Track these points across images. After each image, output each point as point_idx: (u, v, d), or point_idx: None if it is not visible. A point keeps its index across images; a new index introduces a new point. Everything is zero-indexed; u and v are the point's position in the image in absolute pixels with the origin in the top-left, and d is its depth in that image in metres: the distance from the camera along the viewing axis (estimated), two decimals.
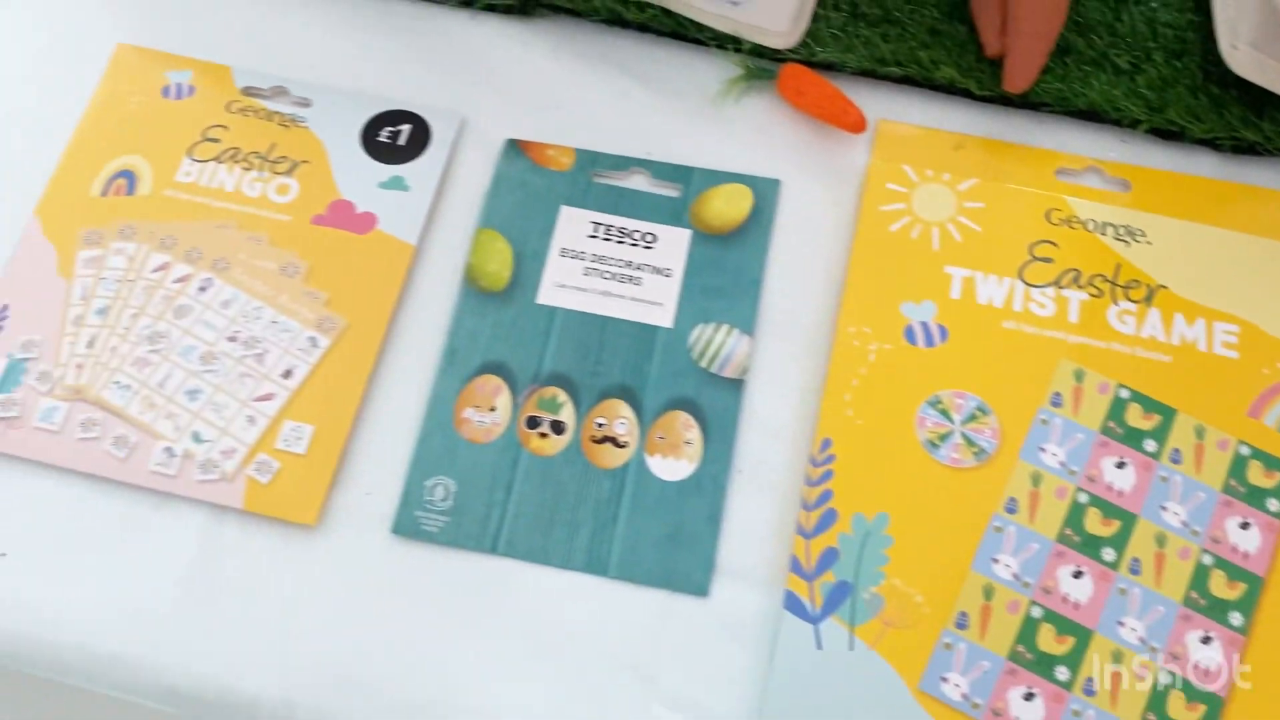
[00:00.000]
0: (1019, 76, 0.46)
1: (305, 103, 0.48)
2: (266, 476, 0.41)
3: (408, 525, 0.41)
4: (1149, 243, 0.44)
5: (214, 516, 0.41)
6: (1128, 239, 0.44)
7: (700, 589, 0.40)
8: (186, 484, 0.41)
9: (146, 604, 0.40)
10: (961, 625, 0.38)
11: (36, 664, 0.41)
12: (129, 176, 0.47)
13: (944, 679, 0.38)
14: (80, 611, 0.40)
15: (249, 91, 0.48)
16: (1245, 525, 0.40)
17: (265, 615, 0.40)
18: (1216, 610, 0.38)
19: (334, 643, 0.40)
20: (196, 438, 0.42)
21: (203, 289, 0.44)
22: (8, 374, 0.43)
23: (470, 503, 0.41)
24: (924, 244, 0.44)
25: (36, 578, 0.41)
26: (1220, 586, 0.39)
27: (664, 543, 0.41)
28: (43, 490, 0.42)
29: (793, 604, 0.39)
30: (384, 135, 0.48)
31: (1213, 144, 0.47)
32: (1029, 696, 0.37)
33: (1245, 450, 0.41)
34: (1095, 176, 0.47)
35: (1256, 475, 0.40)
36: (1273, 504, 0.40)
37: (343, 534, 0.41)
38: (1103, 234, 0.45)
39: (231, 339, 0.43)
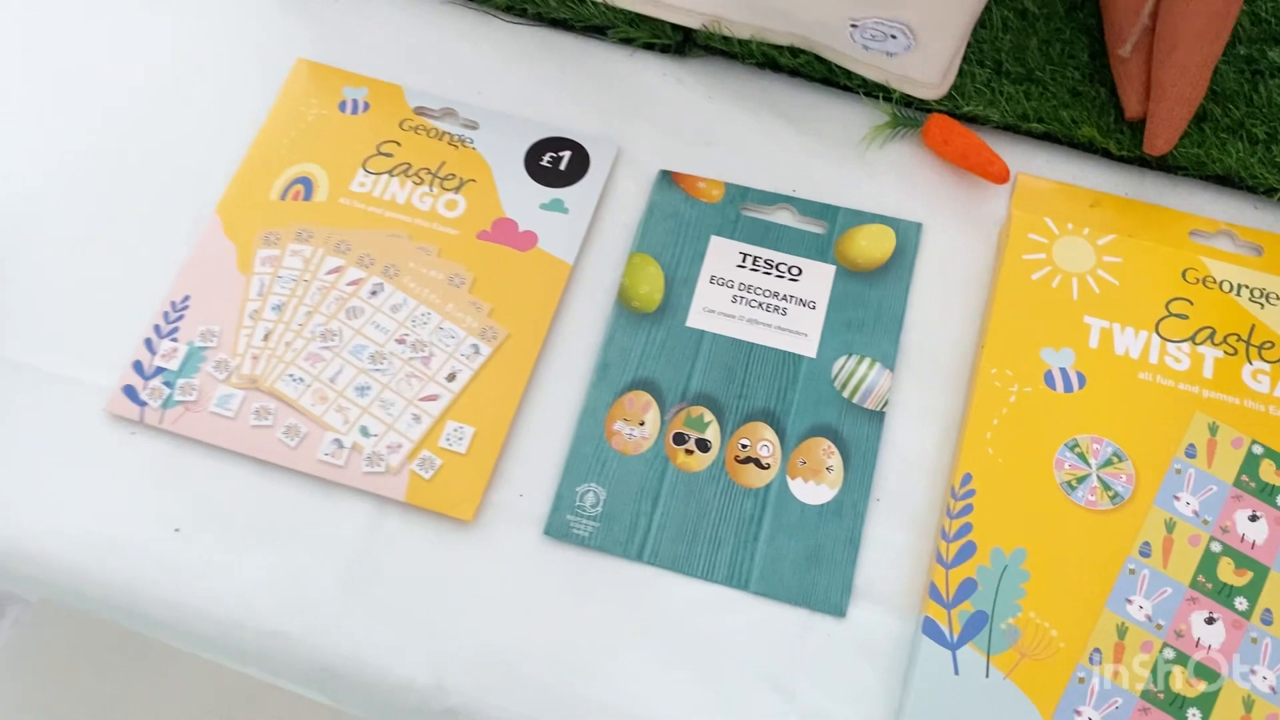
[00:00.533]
0: (1161, 139, 0.48)
1: (473, 125, 0.51)
2: (429, 472, 0.44)
3: (559, 528, 0.43)
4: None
5: (377, 507, 0.44)
6: (1262, 301, 0.46)
7: (838, 610, 0.42)
8: (353, 475, 0.44)
9: (309, 587, 0.42)
10: (1095, 661, 0.40)
11: (200, 637, 0.43)
12: (306, 183, 0.49)
13: (1077, 712, 0.39)
14: (246, 589, 0.42)
15: (420, 111, 0.51)
16: None
17: (421, 604, 0.42)
18: None
19: (485, 633, 0.42)
20: (364, 431, 0.44)
21: (374, 293, 0.47)
22: (188, 360, 0.46)
23: (619, 511, 0.43)
24: (1064, 293, 0.46)
25: (207, 554, 0.43)
26: None
27: (803, 562, 0.42)
28: (216, 472, 0.44)
29: (931, 630, 0.40)
30: (546, 160, 0.50)
31: None
32: None
33: None
34: (1228, 240, 0.48)
35: None
36: None
37: (497, 532, 0.43)
38: (1238, 295, 0.46)
39: (400, 341, 0.46)
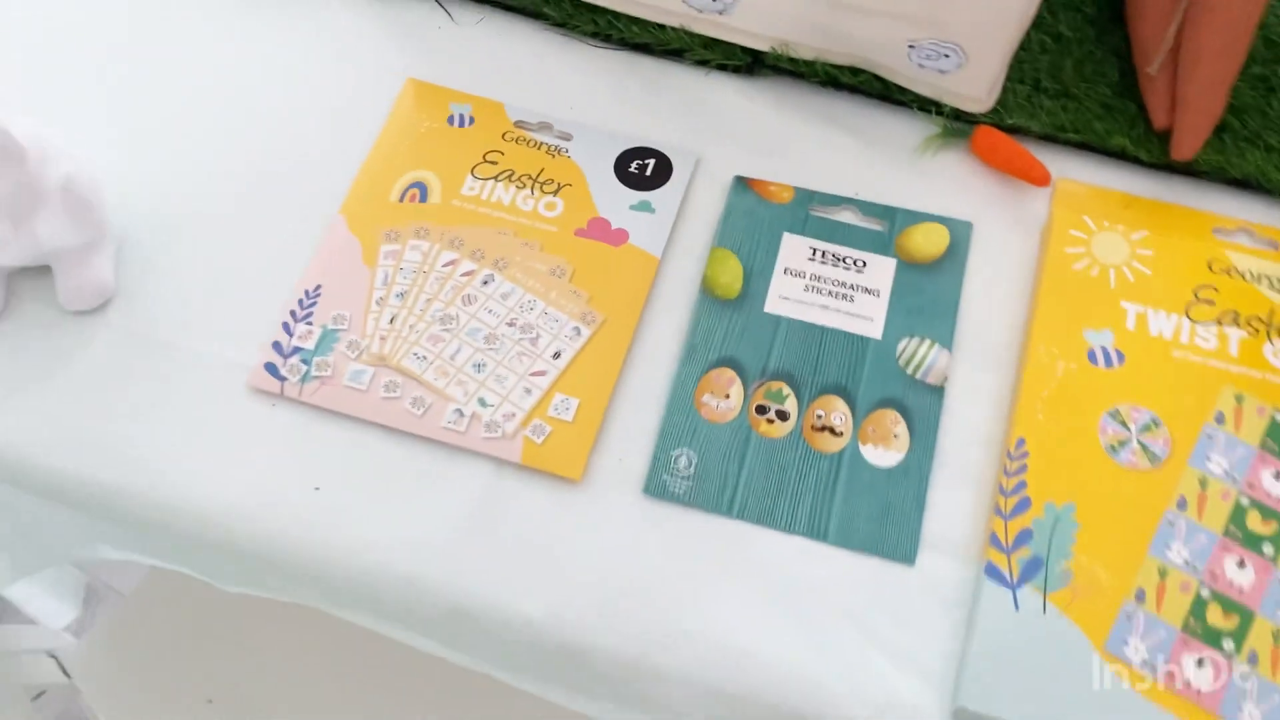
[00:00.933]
0: (1186, 147, 0.54)
1: (567, 136, 0.57)
2: (540, 438, 0.49)
3: (657, 486, 0.49)
4: None
5: (495, 469, 0.49)
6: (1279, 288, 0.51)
7: (908, 558, 0.47)
8: (473, 440, 0.49)
9: (437, 538, 0.48)
10: (1140, 599, 0.45)
11: (340, 588, 0.48)
12: (421, 187, 0.55)
13: (1126, 642, 0.44)
14: (381, 540, 0.48)
15: (520, 124, 0.57)
16: None
17: (536, 551, 0.47)
18: None
19: (593, 577, 0.47)
20: (482, 402, 0.50)
21: (486, 282, 0.53)
22: (322, 341, 0.51)
23: (709, 471, 0.49)
24: (1102, 281, 0.52)
25: (344, 510, 0.48)
26: None
27: (875, 517, 0.48)
28: (350, 439, 0.50)
29: (993, 572, 0.45)
30: (634, 167, 0.56)
31: None
32: (1200, 663, 0.43)
33: None
34: (1245, 236, 0.54)
35: None
36: None
37: (601, 490, 0.49)
38: (1258, 283, 0.52)
39: (510, 324, 0.52)
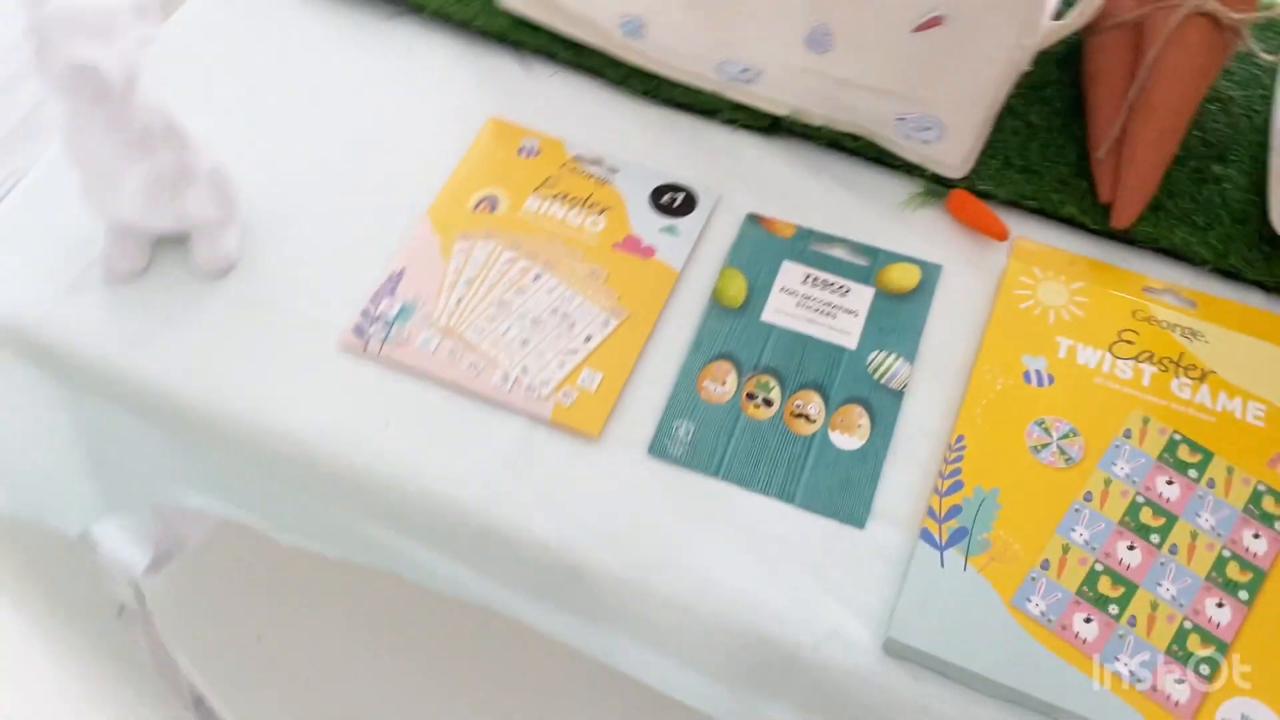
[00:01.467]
0: (1124, 216, 0.65)
1: (614, 170, 0.69)
2: (568, 401, 0.60)
3: (659, 448, 0.59)
4: (1206, 342, 0.62)
5: (530, 423, 0.60)
6: (1190, 337, 0.62)
7: (860, 523, 0.57)
8: (514, 399, 0.60)
9: (478, 473, 0.59)
10: (1045, 567, 0.54)
11: (397, 507, 0.59)
12: (493, 200, 0.68)
13: (1028, 599, 0.54)
14: (432, 470, 0.59)
15: (577, 158, 0.70)
16: (1257, 536, 0.55)
17: (556, 491, 0.58)
18: (1229, 587, 0.54)
19: (600, 514, 0.57)
20: (524, 370, 0.61)
21: (536, 278, 0.65)
22: (401, 313, 0.63)
23: (703, 440, 0.60)
24: (1043, 319, 0.62)
25: (406, 445, 0.60)
26: (1235, 571, 0.54)
27: (836, 489, 0.58)
28: (416, 391, 0.61)
29: (926, 536, 0.55)
30: (665, 198, 0.68)
31: (1261, 285, 0.65)
32: (1088, 620, 0.53)
33: (1262, 488, 0.57)
34: (1171, 295, 0.65)
35: (1269, 505, 0.56)
36: (1279, 525, 0.56)
37: (614, 447, 0.60)
38: (1173, 331, 0.62)
39: (552, 312, 0.63)
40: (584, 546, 0.57)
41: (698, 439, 0.60)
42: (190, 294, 0.65)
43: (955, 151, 0.67)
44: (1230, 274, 0.65)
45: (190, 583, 0.87)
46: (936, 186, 0.69)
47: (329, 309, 0.64)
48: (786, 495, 0.58)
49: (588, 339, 0.63)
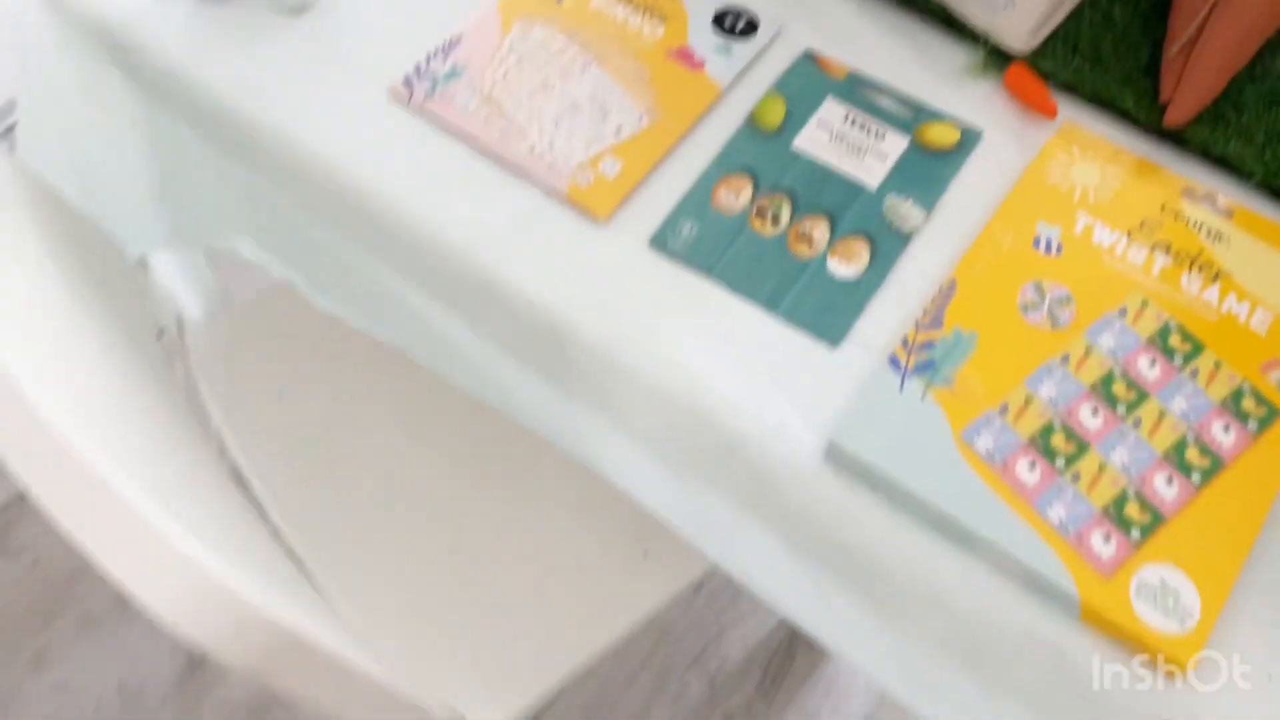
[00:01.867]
0: (1178, 115, 0.64)
1: None
2: (585, 183, 0.62)
3: (660, 241, 0.61)
4: (1229, 246, 0.60)
5: (545, 196, 0.63)
6: (1215, 240, 0.61)
7: (834, 342, 0.58)
8: (537, 170, 0.63)
9: (489, 227, 0.62)
10: (1003, 411, 0.55)
11: (411, 244, 0.62)
12: None
13: (978, 435, 0.54)
14: (451, 217, 0.62)
15: None
16: (1227, 429, 0.55)
17: (557, 261, 0.61)
18: (1184, 468, 0.53)
19: (592, 289, 0.60)
20: (551, 146, 0.63)
21: (583, 69, 0.67)
22: (449, 74, 0.66)
23: (704, 242, 0.61)
24: (1068, 194, 0.62)
25: (433, 187, 0.63)
26: (1194, 455, 0.54)
27: (820, 308, 0.59)
28: (449, 145, 0.64)
29: (893, 361, 0.56)
30: (728, 20, 0.69)
31: None
32: (1032, 466, 0.53)
33: (1246, 387, 0.56)
34: (1209, 202, 0.63)
35: (1249, 405, 0.55)
36: (1251, 425, 0.55)
37: (617, 232, 0.62)
38: (1199, 231, 0.61)
39: (591, 99, 0.65)
40: (569, 312, 0.59)
41: (699, 239, 0.61)
42: (268, 24, 0.69)
43: (1023, 24, 0.66)
44: (1275, 191, 0.64)
45: (228, 333, 0.92)
46: (997, 59, 0.68)
47: (387, 60, 0.67)
48: (771, 304, 0.59)
49: (618, 130, 0.64)
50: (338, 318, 0.74)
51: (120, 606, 1.26)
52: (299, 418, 0.89)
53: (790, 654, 1.28)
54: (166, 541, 0.44)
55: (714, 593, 1.32)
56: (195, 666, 1.24)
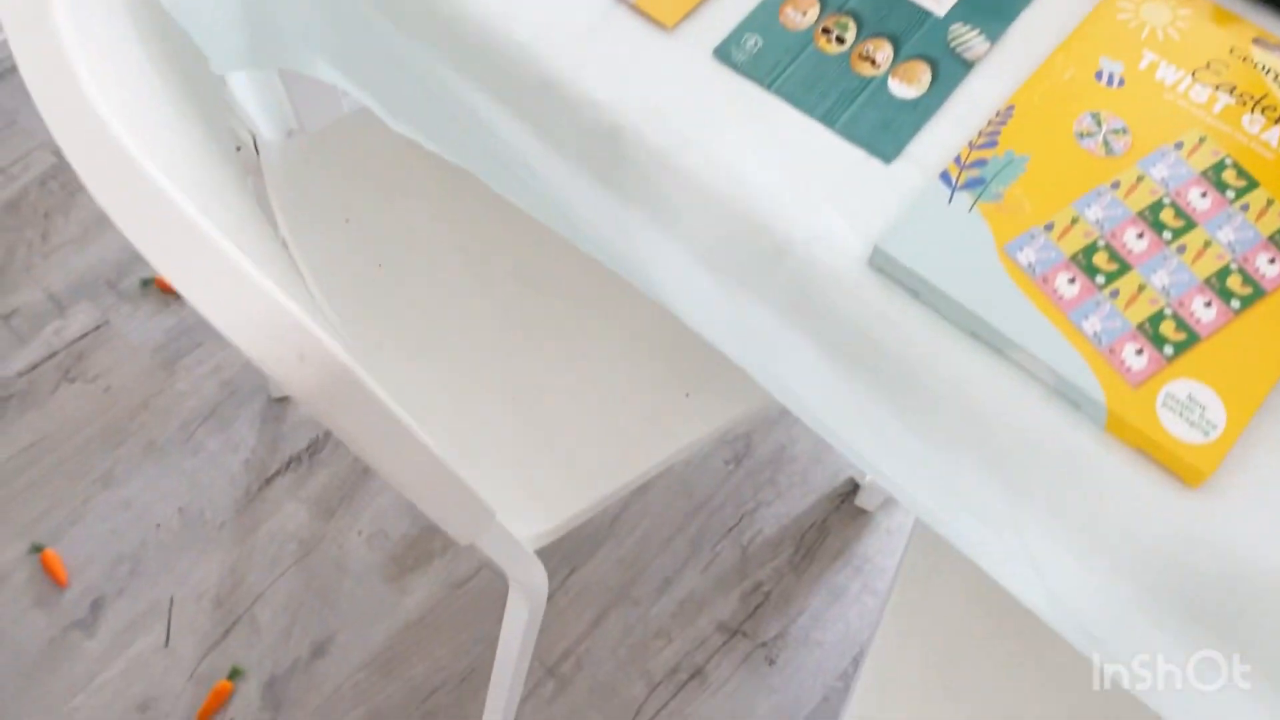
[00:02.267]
0: None
1: None
2: None
3: (724, 53, 0.62)
4: None
5: (614, 2, 0.64)
6: None
7: (888, 158, 0.59)
8: None
9: (561, 32, 0.63)
10: (1048, 229, 0.56)
11: (482, 45, 0.64)
12: None
13: (1021, 250, 0.55)
14: (527, 19, 0.63)
15: None
16: (1273, 261, 0.55)
17: (622, 62, 0.62)
18: (1224, 294, 0.54)
19: (652, 92, 0.61)
20: None
21: None
22: None
23: (767, 56, 0.62)
24: (1136, 31, 0.62)
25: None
26: (1235, 284, 0.54)
27: (877, 126, 0.60)
28: None
29: (944, 177, 0.57)
30: None
31: None
32: (1071, 281, 0.54)
33: None
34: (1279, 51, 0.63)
35: None
36: None
37: (683, 41, 0.63)
38: (1266, 74, 0.61)
39: None
40: (628, 112, 0.61)
41: (763, 53, 0.62)
42: None
43: None
44: None
45: (301, 157, 0.95)
46: None
47: None
48: (829, 120, 0.61)
49: None
50: (410, 137, 0.77)
51: (184, 435, 1.33)
52: (363, 244, 0.92)
53: (824, 531, 1.31)
54: (243, 272, 0.47)
55: (754, 469, 1.35)
56: (252, 497, 1.30)
